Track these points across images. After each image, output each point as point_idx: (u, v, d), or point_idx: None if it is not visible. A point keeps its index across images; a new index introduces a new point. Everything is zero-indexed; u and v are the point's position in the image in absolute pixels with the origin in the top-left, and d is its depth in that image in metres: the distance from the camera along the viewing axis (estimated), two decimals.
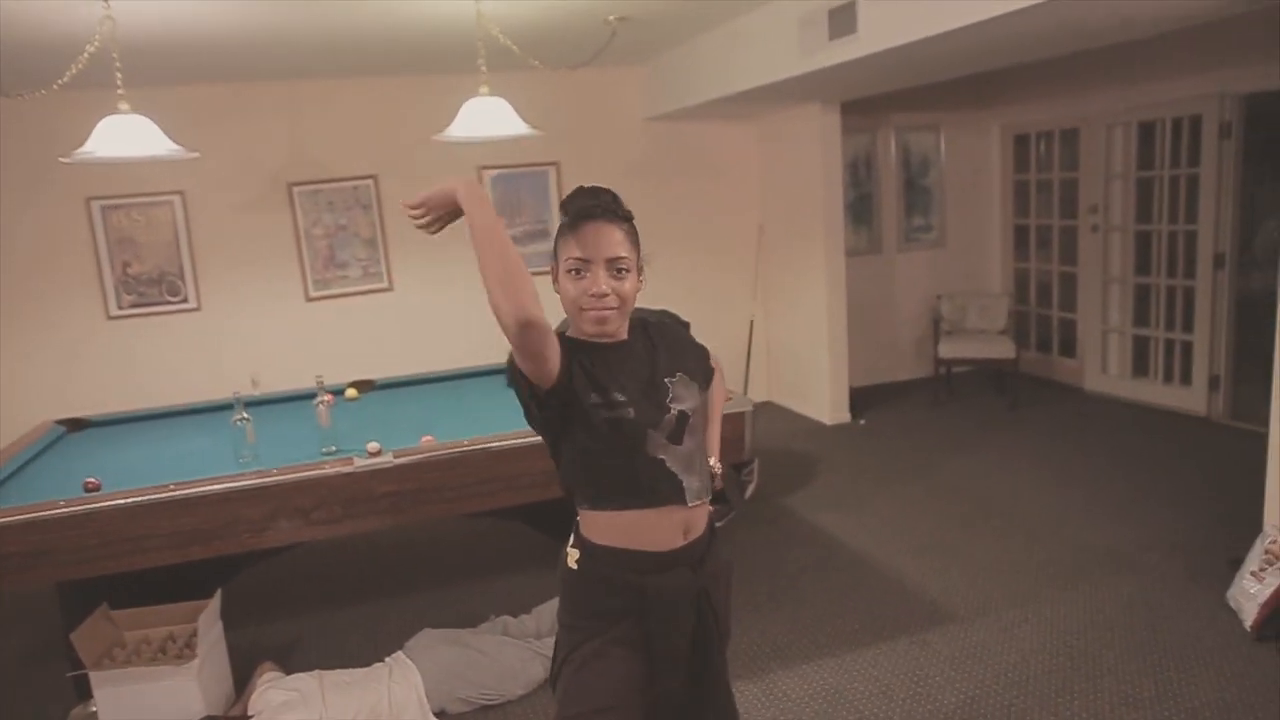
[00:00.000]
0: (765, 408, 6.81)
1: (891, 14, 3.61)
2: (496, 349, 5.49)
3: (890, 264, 7.29)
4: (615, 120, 6.28)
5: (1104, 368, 6.52)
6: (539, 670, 3.14)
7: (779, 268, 6.74)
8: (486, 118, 3.71)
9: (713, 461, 1.94)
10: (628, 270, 1.70)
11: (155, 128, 3.44)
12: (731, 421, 3.63)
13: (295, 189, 5.60)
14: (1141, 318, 6.25)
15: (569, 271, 1.70)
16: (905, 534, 4.34)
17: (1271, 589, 3.21)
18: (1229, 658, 3.09)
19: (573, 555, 1.81)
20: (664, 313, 4.77)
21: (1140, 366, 6.31)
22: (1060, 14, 3.24)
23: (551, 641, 3.23)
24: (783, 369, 6.92)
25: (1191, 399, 5.85)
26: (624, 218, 1.72)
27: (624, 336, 1.78)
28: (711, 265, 6.75)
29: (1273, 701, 2.85)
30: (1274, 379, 3.36)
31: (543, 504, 3.53)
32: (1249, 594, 3.27)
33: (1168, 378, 6.06)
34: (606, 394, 1.69)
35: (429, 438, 3.37)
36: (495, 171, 6.01)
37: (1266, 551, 3.30)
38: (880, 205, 7.17)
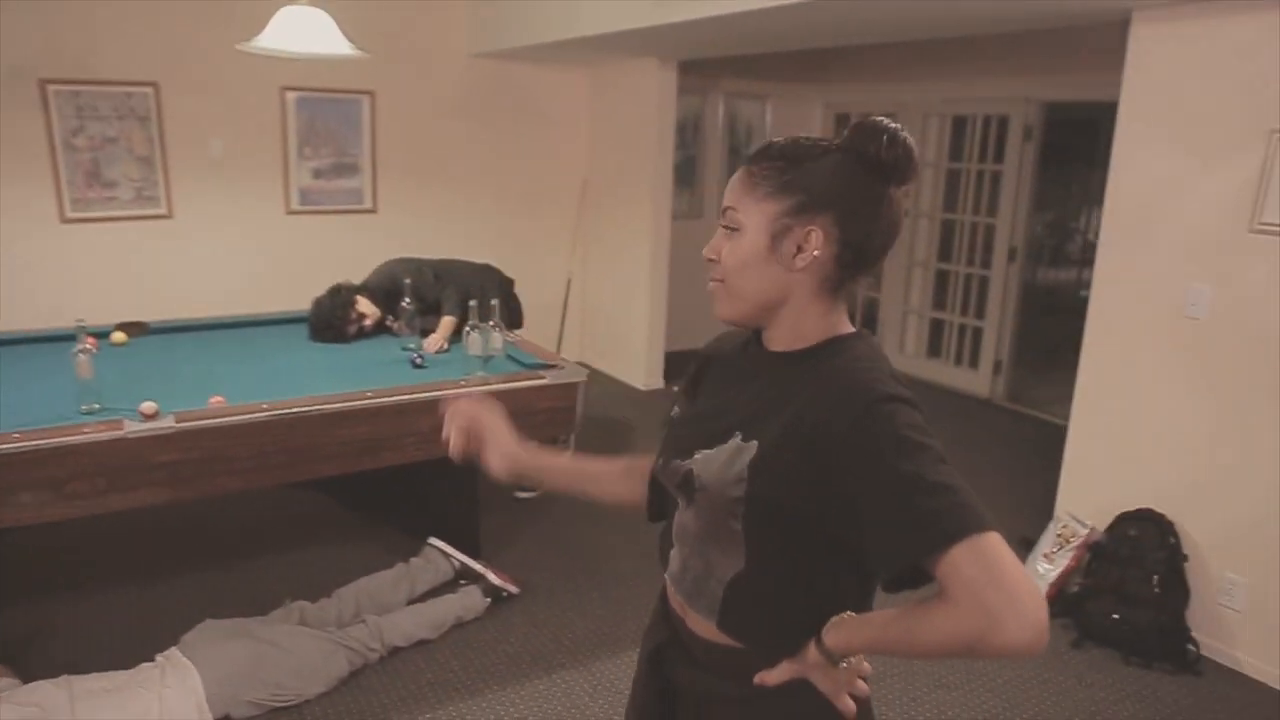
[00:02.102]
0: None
1: None
2: (291, 294, 4.96)
3: (710, 230, 7.21)
4: (437, 53, 5.78)
5: (902, 347, 6.85)
6: (343, 664, 2.82)
7: (602, 226, 6.54)
8: (303, 31, 3.22)
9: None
10: (734, 228, 1.18)
11: None
12: (562, 393, 3.43)
13: (51, 88, 4.71)
14: (939, 302, 6.61)
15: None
16: None
17: (1060, 570, 3.44)
18: None
19: None
20: (486, 269, 4.48)
21: (934, 348, 6.68)
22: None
23: (355, 631, 2.94)
24: (598, 330, 6.76)
25: (977, 382, 6.26)
26: (764, 158, 1.18)
27: (776, 345, 1.22)
28: (532, 217, 6.44)
29: (1062, 674, 3.05)
30: (1079, 374, 3.56)
31: (350, 478, 3.19)
32: (1040, 574, 3.48)
33: (958, 360, 6.46)
34: (682, 403, 1.38)
35: (218, 398, 2.91)
36: (299, 94, 5.36)
37: (1058, 535, 3.52)
38: (704, 170, 7.12)
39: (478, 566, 3.44)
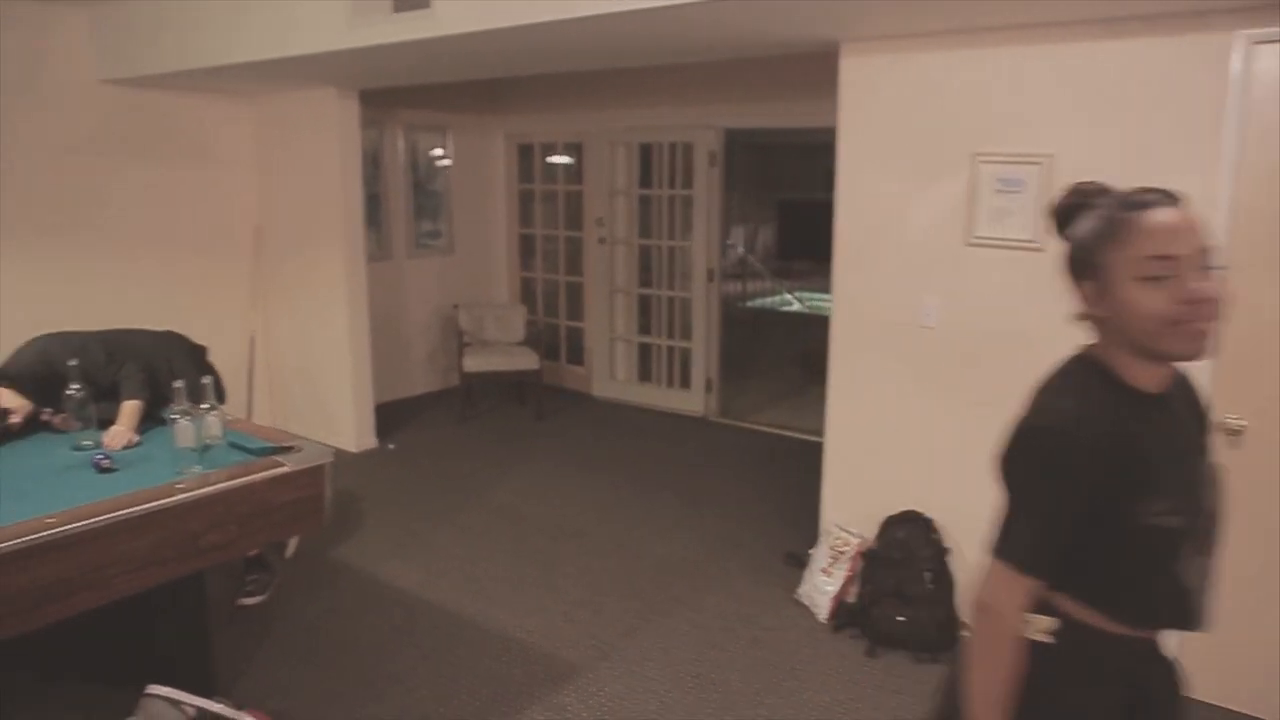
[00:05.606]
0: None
1: None
2: None
3: (400, 271, 6.78)
4: (55, 78, 4.73)
5: (612, 374, 6.86)
6: None
7: (285, 275, 5.78)
8: None
9: None
10: (1218, 267, 1.28)
11: None
12: (306, 480, 2.88)
13: None
14: (644, 326, 6.71)
15: (1145, 279, 1.25)
16: (485, 574, 3.94)
17: (840, 581, 3.53)
18: (821, 653, 3.31)
19: (1040, 623, 1.38)
20: (169, 336, 3.70)
21: (644, 372, 6.76)
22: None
23: None
24: (293, 391, 5.98)
25: (691, 401, 6.43)
26: None
27: (1161, 386, 1.37)
28: (199, 272, 5.53)
29: (864, 686, 3.10)
30: (829, 389, 3.70)
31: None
32: (822, 590, 3.55)
33: (670, 382, 6.59)
34: (1154, 491, 1.30)
35: None
36: None
37: (831, 548, 3.62)
38: (389, 208, 6.61)
39: (219, 707, 2.75)
